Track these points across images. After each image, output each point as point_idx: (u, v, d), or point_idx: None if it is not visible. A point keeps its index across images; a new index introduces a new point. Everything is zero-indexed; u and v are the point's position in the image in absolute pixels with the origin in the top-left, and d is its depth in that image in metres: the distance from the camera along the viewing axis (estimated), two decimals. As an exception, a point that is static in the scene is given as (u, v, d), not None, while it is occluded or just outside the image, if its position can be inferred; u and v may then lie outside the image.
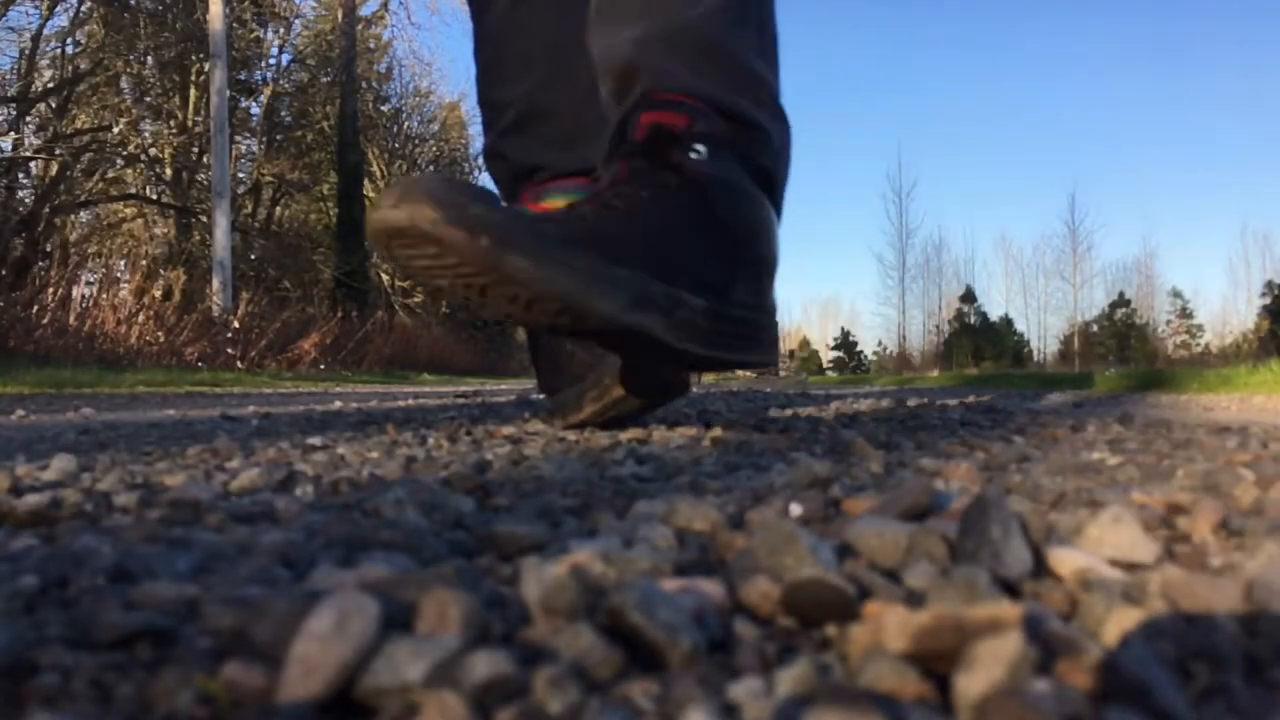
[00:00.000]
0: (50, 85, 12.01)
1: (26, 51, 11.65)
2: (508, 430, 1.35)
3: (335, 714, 0.28)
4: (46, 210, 10.59)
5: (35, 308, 7.74)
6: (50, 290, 7.99)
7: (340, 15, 17.70)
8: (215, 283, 10.98)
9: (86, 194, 12.24)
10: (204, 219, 13.43)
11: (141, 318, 8.82)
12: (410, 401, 2.97)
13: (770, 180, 0.95)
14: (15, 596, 0.39)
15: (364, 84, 18.98)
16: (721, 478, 0.78)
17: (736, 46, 0.91)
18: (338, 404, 2.76)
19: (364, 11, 18.70)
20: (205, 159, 12.82)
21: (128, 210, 14.37)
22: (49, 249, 9.34)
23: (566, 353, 1.31)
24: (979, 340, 27.70)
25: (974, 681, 0.26)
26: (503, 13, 1.22)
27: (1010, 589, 0.39)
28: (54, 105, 11.96)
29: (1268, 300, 27.74)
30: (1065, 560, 0.41)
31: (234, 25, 13.99)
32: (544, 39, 1.18)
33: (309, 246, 17.55)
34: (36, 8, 11.60)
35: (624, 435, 1.22)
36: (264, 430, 1.46)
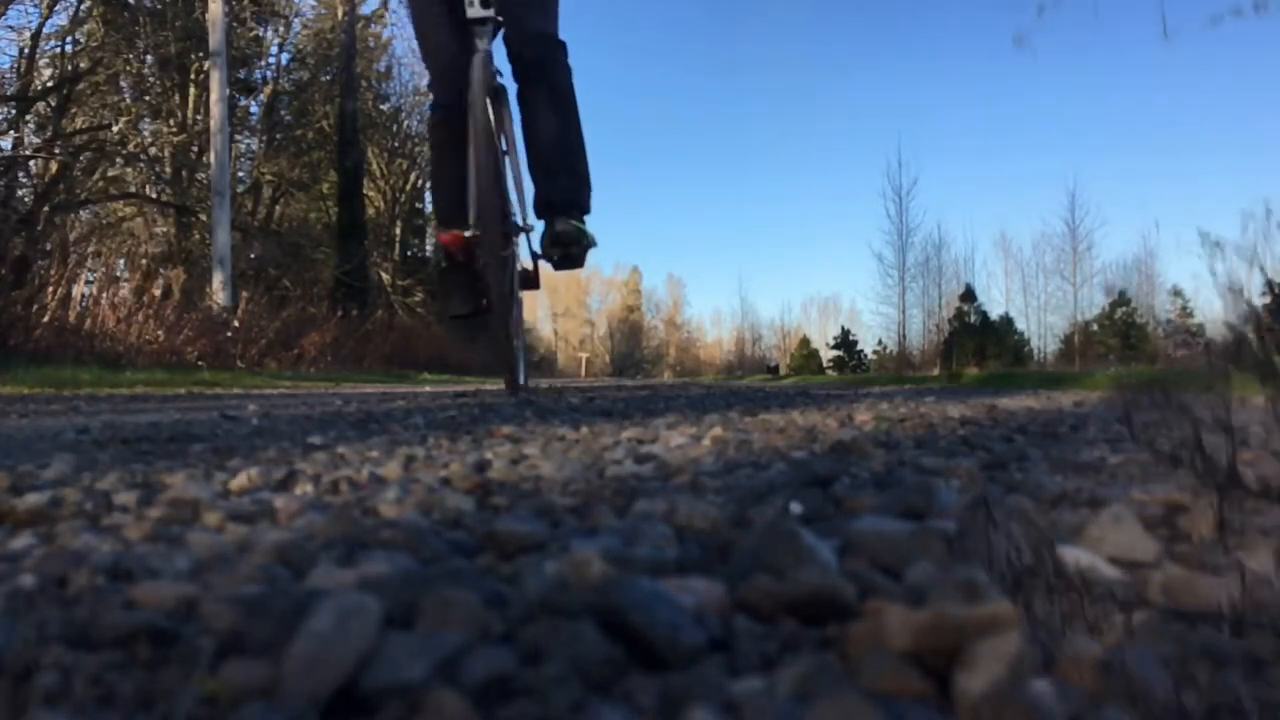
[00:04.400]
0: (50, 84, 12.01)
1: (26, 50, 11.65)
2: (507, 429, 1.35)
3: (335, 713, 0.28)
4: (46, 209, 10.59)
5: (35, 307, 7.73)
6: (50, 289, 7.99)
7: (340, 13, 17.70)
8: (216, 281, 11.00)
9: (86, 193, 12.24)
10: (204, 218, 13.44)
11: (141, 316, 8.83)
12: (410, 401, 2.97)
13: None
14: (15, 596, 0.39)
15: (364, 83, 18.96)
16: (721, 476, 0.78)
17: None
18: (338, 403, 2.76)
19: (364, 10, 18.72)
20: (205, 158, 12.81)
21: (127, 209, 14.37)
22: (49, 248, 9.35)
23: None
24: (979, 339, 27.69)
25: (974, 680, 0.26)
26: None
27: (1011, 588, 0.39)
28: (53, 104, 11.97)
29: (1268, 300, 27.69)
30: (1066, 559, 0.41)
31: (234, 24, 13.98)
32: None
33: (309, 245, 17.54)
34: (36, 6, 11.60)
35: (624, 434, 1.22)
36: (264, 429, 1.46)
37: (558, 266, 3.31)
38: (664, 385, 8.56)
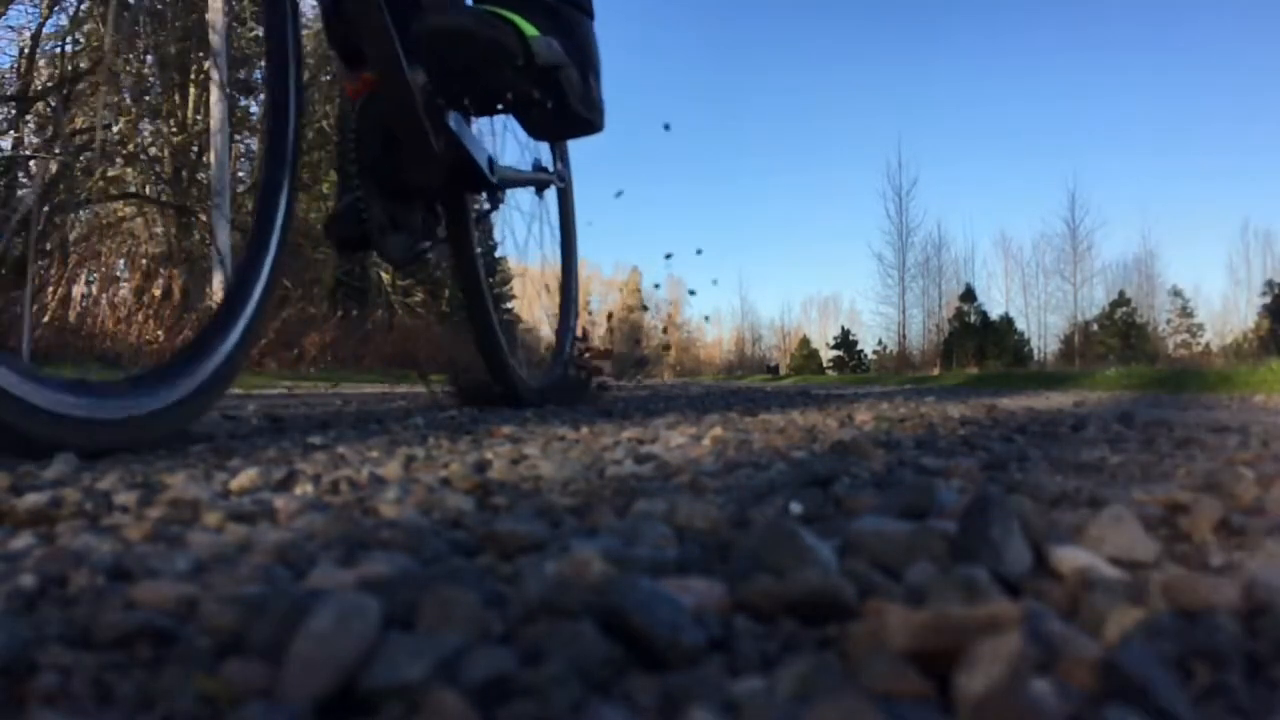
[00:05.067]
0: (50, 84, 12.02)
1: (26, 50, 11.66)
2: (508, 429, 1.35)
3: (335, 713, 0.28)
4: (46, 209, 10.59)
5: (35, 307, 7.74)
6: (50, 289, 8.00)
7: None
8: (216, 281, 11.01)
9: (86, 193, 12.24)
10: (203, 218, 13.43)
11: (141, 316, 8.83)
12: (410, 401, 2.97)
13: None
14: (15, 595, 0.39)
15: (364, 83, 18.95)
16: (721, 476, 0.78)
17: None
18: (338, 403, 2.76)
19: (364, 10, 18.68)
20: (205, 158, 12.81)
21: (127, 209, 14.37)
22: (48, 248, 9.35)
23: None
24: (979, 339, 27.71)
25: (974, 680, 0.26)
26: None
27: (1011, 588, 0.39)
28: (53, 104, 11.96)
29: (1268, 299, 27.77)
30: (1066, 559, 0.41)
31: (234, 24, 13.98)
32: None
33: (309, 245, 17.55)
34: (36, 6, 11.60)
35: (624, 434, 1.22)
36: (264, 429, 1.46)
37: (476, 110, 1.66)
38: (664, 385, 8.56)
